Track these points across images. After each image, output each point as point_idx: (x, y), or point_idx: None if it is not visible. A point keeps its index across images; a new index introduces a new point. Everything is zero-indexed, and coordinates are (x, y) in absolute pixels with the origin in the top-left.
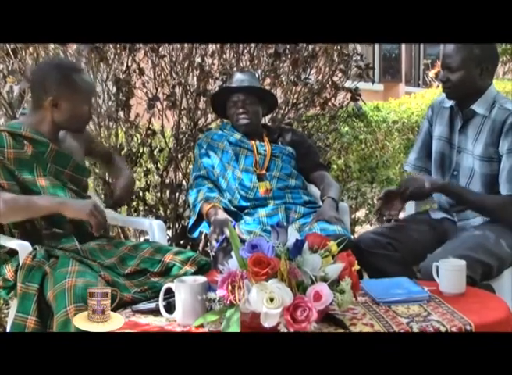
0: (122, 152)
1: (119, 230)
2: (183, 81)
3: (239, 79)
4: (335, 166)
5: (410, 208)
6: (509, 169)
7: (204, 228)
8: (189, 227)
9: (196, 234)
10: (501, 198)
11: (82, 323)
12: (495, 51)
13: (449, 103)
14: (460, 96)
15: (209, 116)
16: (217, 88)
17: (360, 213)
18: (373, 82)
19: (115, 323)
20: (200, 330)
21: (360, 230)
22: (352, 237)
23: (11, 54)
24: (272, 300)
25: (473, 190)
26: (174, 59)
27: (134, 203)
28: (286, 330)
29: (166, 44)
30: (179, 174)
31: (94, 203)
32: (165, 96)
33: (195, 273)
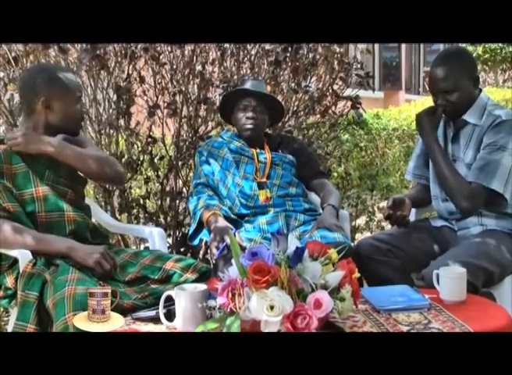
0: (123, 160)
1: (119, 237)
2: (183, 89)
3: (253, 85)
4: (335, 174)
5: (410, 215)
6: (479, 157)
7: (204, 236)
8: (189, 235)
9: (196, 242)
10: (469, 186)
11: (82, 322)
12: (471, 54)
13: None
14: (459, 111)
15: (209, 123)
16: (217, 96)
17: (361, 221)
18: (374, 90)
19: (115, 323)
20: None
21: (361, 237)
22: (352, 244)
23: (12, 62)
24: (272, 308)
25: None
26: (175, 67)
27: (135, 211)
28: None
29: (167, 52)
30: (180, 182)
31: (103, 251)
32: (165, 104)
33: (196, 281)
